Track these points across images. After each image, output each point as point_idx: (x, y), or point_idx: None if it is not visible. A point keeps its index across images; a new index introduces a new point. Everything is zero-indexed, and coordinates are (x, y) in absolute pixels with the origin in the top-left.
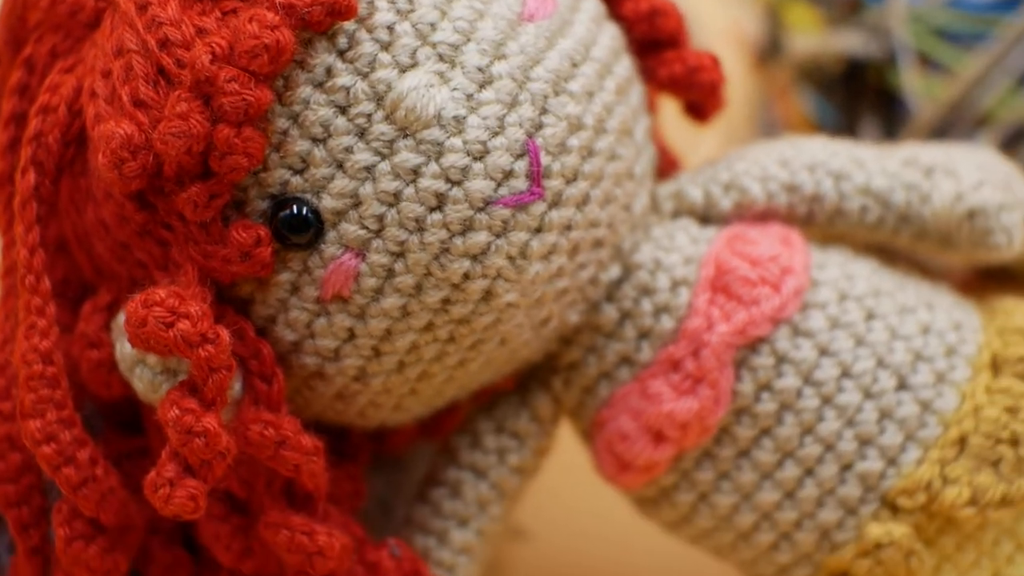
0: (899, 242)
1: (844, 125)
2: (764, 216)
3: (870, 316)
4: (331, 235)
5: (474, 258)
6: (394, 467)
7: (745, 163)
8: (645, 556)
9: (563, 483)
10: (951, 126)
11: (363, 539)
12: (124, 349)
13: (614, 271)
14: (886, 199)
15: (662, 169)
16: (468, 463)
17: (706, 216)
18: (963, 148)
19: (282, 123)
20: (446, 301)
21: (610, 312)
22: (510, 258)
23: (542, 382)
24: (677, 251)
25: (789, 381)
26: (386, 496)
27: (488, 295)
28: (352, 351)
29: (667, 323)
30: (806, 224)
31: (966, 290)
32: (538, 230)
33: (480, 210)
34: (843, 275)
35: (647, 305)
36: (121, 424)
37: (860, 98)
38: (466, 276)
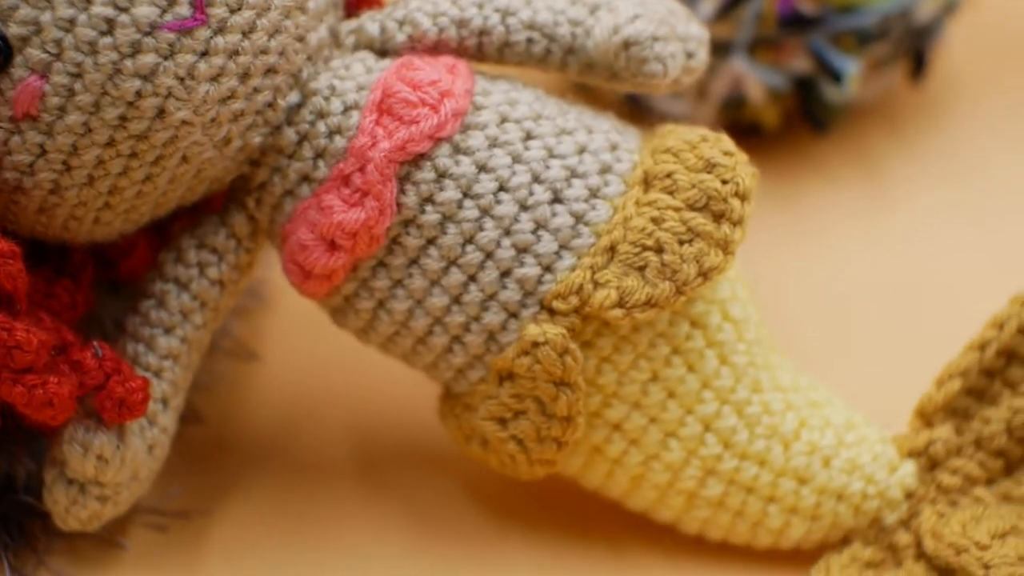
0: (570, 74)
1: None
2: (436, 49)
3: (528, 137)
4: (19, 59)
5: (144, 78)
6: (132, 294)
7: (419, 0)
8: (377, 380)
9: (297, 309)
10: None
11: (72, 342)
12: None
13: (293, 97)
14: (551, 33)
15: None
16: (172, 276)
17: (383, 50)
18: None
19: None
20: (123, 118)
21: (290, 135)
22: (179, 78)
23: (238, 202)
24: (352, 79)
25: (450, 194)
26: (123, 320)
27: (161, 112)
28: (45, 165)
29: (339, 143)
30: (478, 56)
31: None
32: (204, 53)
33: (147, 34)
34: (506, 100)
35: (322, 127)
36: None
37: None
38: (139, 94)
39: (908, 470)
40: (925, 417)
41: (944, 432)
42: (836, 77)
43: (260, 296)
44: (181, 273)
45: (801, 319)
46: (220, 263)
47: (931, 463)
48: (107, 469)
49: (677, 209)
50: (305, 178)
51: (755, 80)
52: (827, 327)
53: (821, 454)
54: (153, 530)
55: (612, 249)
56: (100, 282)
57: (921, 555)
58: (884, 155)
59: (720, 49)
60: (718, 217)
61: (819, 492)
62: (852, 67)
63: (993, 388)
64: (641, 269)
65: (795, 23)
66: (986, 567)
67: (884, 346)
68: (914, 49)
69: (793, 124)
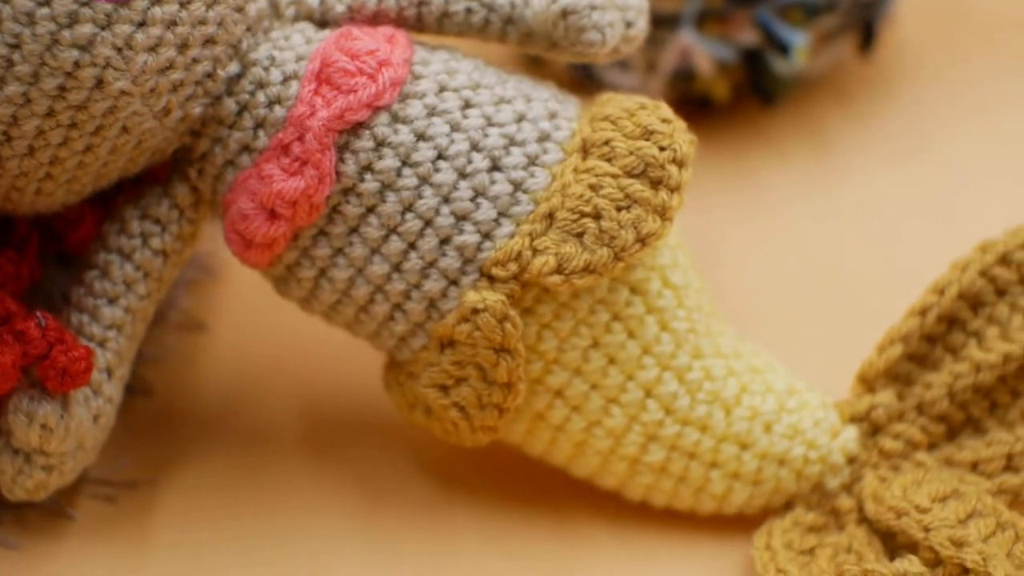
0: (510, 44)
1: None
2: (376, 19)
3: (467, 105)
4: None
5: (82, 48)
6: (79, 266)
7: None
8: (324, 351)
9: (245, 281)
10: None
11: (16, 312)
12: None
13: (233, 68)
14: (490, 3)
15: None
16: (115, 247)
17: (323, 20)
18: None
19: None
20: (62, 88)
21: (230, 105)
22: (117, 48)
23: (180, 173)
24: (291, 49)
25: (389, 162)
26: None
27: (100, 83)
28: None
29: (279, 113)
30: (418, 26)
31: None
32: (142, 24)
33: (84, 4)
34: (445, 70)
35: (262, 97)
36: None
37: None
38: (77, 65)
39: (850, 435)
40: (867, 382)
41: (886, 397)
42: (784, 50)
43: (208, 269)
44: (124, 244)
45: (746, 287)
46: (163, 233)
47: (873, 428)
48: (52, 438)
49: (615, 176)
50: (245, 148)
51: (703, 53)
52: (772, 295)
53: (763, 419)
54: (101, 501)
55: (550, 216)
56: (49, 255)
57: (863, 519)
58: (834, 127)
59: (668, 22)
60: (656, 184)
61: (761, 457)
62: (800, 40)
63: (935, 353)
64: (579, 235)
65: None
66: (926, 530)
67: (829, 314)
68: (863, 21)
69: (743, 97)
